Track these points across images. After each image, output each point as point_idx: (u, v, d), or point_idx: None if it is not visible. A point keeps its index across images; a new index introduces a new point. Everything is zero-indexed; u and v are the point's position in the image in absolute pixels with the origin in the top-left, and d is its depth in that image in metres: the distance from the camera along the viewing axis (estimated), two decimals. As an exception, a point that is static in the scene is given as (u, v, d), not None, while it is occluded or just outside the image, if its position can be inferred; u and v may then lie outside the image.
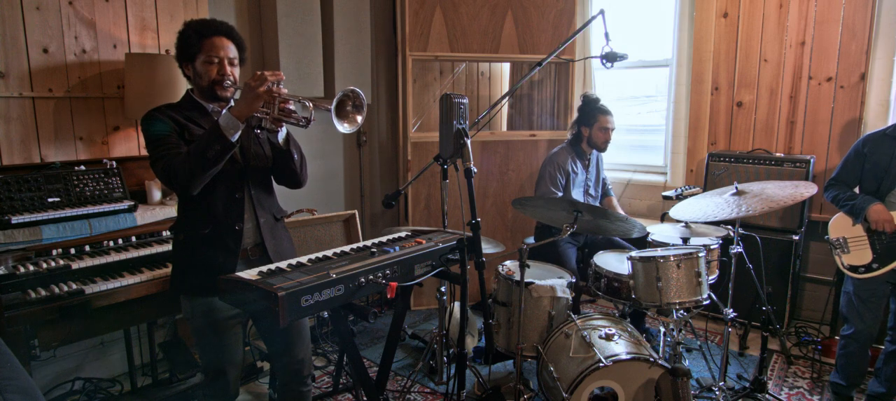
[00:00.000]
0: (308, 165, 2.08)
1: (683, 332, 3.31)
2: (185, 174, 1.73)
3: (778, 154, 3.55)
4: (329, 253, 1.91)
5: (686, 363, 2.37)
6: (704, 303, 2.53)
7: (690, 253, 2.48)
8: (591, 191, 3.61)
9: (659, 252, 2.56)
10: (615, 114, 3.45)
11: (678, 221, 2.98)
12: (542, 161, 3.61)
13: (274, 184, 2.09)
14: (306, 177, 2.07)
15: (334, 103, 1.69)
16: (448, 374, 2.78)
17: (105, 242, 2.44)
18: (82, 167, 2.54)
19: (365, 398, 2.41)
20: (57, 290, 2.15)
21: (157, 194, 2.80)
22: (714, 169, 3.66)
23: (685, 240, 2.79)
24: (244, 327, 2.57)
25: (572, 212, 2.50)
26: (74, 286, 2.19)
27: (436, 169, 2.64)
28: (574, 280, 2.79)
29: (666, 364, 2.27)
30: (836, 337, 2.94)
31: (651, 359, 2.28)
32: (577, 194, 3.49)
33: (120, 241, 2.48)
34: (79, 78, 2.77)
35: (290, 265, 1.77)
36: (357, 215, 3.61)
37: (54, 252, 2.29)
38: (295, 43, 3.46)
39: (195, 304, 1.91)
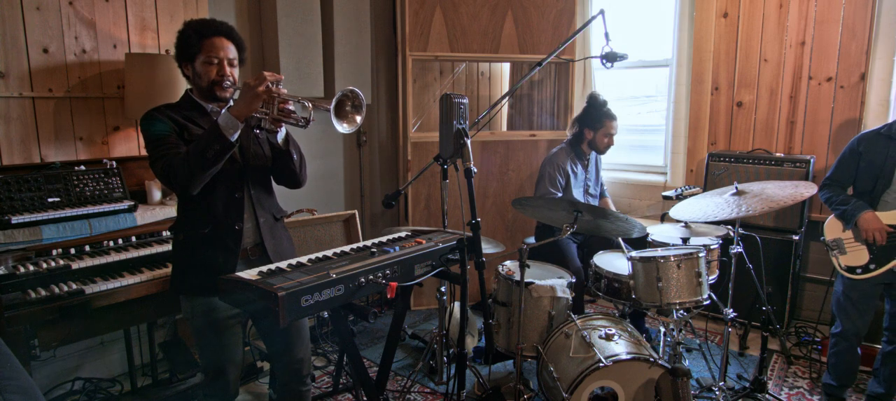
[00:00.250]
0: (308, 165, 2.09)
1: (683, 332, 3.30)
2: (185, 174, 1.73)
3: (778, 154, 3.55)
4: (329, 253, 1.91)
5: (686, 363, 2.38)
6: (704, 303, 2.53)
7: (690, 253, 2.49)
8: (591, 190, 3.61)
9: (659, 252, 2.56)
10: (616, 115, 3.44)
11: (678, 221, 2.98)
12: (542, 161, 3.61)
13: (273, 184, 2.09)
14: (306, 177, 2.07)
15: (333, 103, 1.69)
16: (448, 374, 2.78)
17: (105, 242, 2.44)
18: (82, 167, 2.54)
19: (365, 398, 2.40)
20: (57, 290, 2.15)
21: (157, 194, 2.80)
22: (714, 169, 3.66)
23: (685, 240, 2.80)
24: (244, 327, 2.58)
25: (572, 212, 2.50)
26: (74, 286, 2.19)
27: (436, 169, 2.64)
28: (574, 280, 2.79)
29: (666, 364, 2.27)
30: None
31: (651, 359, 2.28)
32: (576, 194, 3.48)
33: (120, 241, 2.48)
34: (79, 78, 2.78)
35: (290, 265, 1.77)
36: (357, 215, 3.61)
37: (54, 252, 2.29)
38: (295, 43, 3.46)
39: (195, 304, 1.92)
